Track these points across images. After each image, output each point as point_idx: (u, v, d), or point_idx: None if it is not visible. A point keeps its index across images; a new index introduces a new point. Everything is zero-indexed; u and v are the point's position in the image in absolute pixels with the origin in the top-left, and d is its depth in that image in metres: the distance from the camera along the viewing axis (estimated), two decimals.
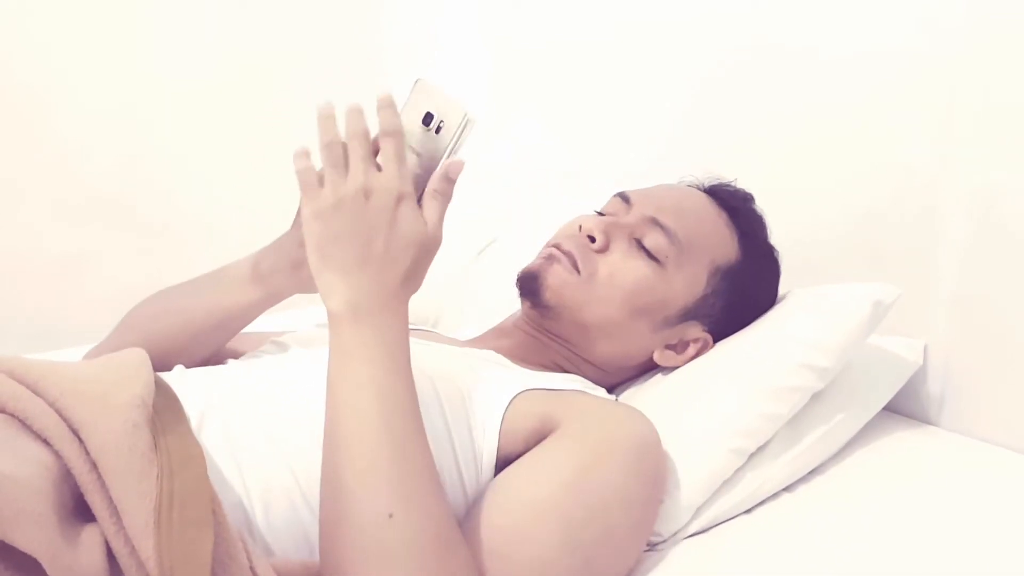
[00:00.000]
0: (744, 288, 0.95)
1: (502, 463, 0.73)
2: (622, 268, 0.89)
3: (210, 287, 0.89)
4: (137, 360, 0.66)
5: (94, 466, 0.55)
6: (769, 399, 0.87)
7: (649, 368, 0.97)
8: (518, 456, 0.72)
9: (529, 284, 0.91)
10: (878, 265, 1.06)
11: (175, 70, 1.72)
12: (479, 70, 1.71)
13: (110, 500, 0.54)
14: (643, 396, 0.93)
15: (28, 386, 0.60)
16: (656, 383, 0.95)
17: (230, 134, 1.79)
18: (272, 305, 0.89)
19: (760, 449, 0.88)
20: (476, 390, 0.76)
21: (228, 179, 1.78)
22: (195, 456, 0.59)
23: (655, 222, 0.91)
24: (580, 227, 0.93)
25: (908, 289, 0.97)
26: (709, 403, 0.88)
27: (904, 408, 1.05)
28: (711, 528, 0.84)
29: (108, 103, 1.66)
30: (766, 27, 1.20)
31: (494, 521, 0.66)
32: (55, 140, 1.63)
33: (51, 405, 0.58)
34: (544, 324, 0.93)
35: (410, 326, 0.98)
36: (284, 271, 0.85)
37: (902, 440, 0.99)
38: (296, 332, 0.94)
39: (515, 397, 0.76)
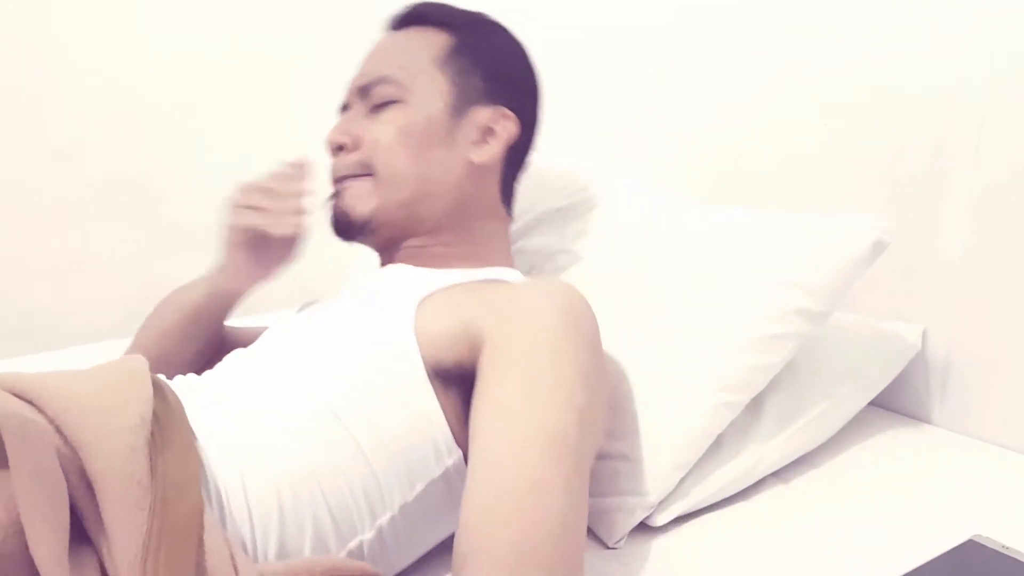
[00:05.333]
0: (481, 52, 0.91)
1: (435, 367, 0.72)
2: (378, 136, 0.88)
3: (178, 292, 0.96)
4: (138, 370, 0.66)
5: (90, 487, 0.55)
6: (760, 349, 0.85)
7: (490, 197, 0.92)
8: (451, 362, 0.71)
9: (343, 227, 0.90)
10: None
11: (177, 68, 1.73)
12: None
13: (104, 526, 0.54)
14: (617, 335, 0.87)
15: (30, 402, 0.60)
16: (631, 319, 0.91)
17: (233, 133, 1.79)
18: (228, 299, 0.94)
19: (752, 429, 0.88)
20: (383, 310, 0.77)
21: (231, 178, 1.78)
22: (191, 480, 0.59)
23: (368, 86, 0.90)
24: (330, 148, 0.92)
25: (908, 283, 0.98)
26: (692, 352, 0.86)
27: (903, 406, 1.06)
28: (703, 513, 0.84)
29: (110, 102, 1.67)
30: (764, 13, 1.19)
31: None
32: (55, 139, 1.63)
33: (51, 422, 0.58)
34: (388, 236, 0.90)
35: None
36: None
37: (901, 438, 1.00)
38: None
39: (421, 302, 0.75)
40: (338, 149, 0.90)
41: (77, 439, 0.57)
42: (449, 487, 0.73)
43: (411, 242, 0.90)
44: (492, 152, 0.90)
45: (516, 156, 0.94)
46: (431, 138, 0.88)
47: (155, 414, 0.61)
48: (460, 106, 0.89)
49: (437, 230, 0.89)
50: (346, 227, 0.89)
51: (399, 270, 0.87)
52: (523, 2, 1.57)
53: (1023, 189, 0.93)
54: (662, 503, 0.82)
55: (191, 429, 0.64)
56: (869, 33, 1.06)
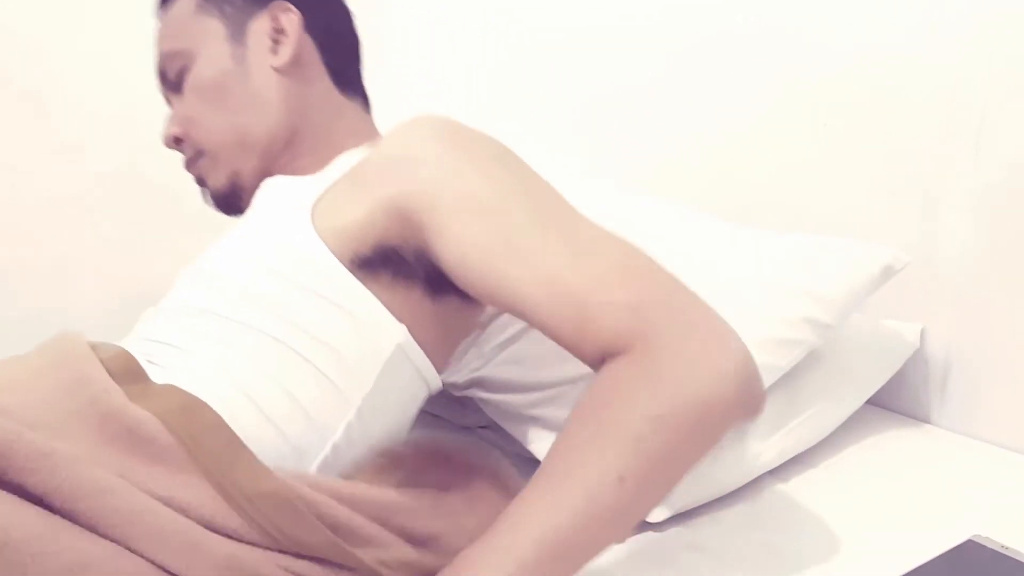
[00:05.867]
0: None
1: (355, 260, 0.72)
2: (187, 112, 0.89)
3: None
4: (76, 341, 0.68)
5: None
6: (770, 350, 0.86)
7: (320, 90, 0.91)
8: (370, 248, 0.72)
9: (226, 201, 0.91)
10: None
11: None
12: (479, 63, 1.71)
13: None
14: None
15: None
16: None
17: None
18: None
19: (749, 427, 0.88)
20: (280, 224, 0.77)
21: None
22: (192, 402, 0.61)
23: (163, 72, 0.91)
24: (170, 146, 0.93)
25: (908, 283, 0.98)
26: None
27: (903, 406, 1.06)
28: (701, 512, 0.84)
29: (112, 98, 1.66)
30: (763, 15, 1.19)
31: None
32: (53, 139, 1.63)
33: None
34: (259, 182, 0.90)
35: None
36: None
37: (900, 438, 1.00)
38: None
39: (315, 206, 0.75)
40: (176, 142, 0.91)
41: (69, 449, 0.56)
42: (399, 366, 0.72)
43: (278, 164, 0.89)
44: (289, 48, 0.88)
45: (330, 39, 0.92)
46: (228, 77, 0.88)
47: (112, 374, 0.63)
48: (238, 30, 0.89)
49: (290, 144, 0.88)
50: (222, 200, 0.90)
51: (276, 181, 0.86)
52: (518, 4, 1.57)
53: (1023, 189, 0.93)
54: None
55: (147, 376, 0.65)
56: (868, 34, 1.06)
